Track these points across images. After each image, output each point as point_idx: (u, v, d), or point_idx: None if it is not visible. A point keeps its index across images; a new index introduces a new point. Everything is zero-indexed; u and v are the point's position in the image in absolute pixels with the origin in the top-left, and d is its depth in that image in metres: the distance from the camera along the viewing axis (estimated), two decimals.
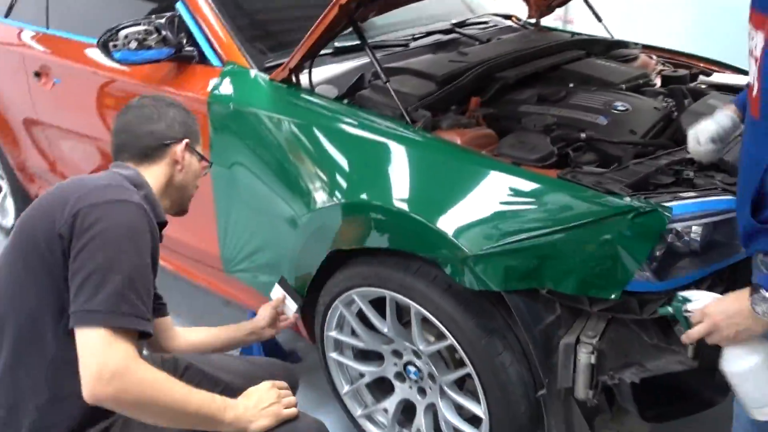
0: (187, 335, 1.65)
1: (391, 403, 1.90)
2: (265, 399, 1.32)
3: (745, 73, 2.38)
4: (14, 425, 1.22)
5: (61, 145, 2.80)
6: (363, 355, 1.95)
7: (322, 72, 2.05)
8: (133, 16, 2.07)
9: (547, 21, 2.94)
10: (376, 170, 1.69)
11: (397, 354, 1.83)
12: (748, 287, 1.11)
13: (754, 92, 1.10)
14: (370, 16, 2.02)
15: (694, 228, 1.44)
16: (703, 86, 2.21)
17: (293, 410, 1.36)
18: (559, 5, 2.81)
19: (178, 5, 2.13)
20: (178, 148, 1.46)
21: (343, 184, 1.71)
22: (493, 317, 1.54)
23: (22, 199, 3.28)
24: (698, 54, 2.58)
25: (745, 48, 1.19)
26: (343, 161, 1.74)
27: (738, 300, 1.13)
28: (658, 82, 2.29)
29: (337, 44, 2.13)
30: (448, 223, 1.50)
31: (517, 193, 1.49)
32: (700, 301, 1.24)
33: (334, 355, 1.93)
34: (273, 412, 1.31)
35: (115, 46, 1.99)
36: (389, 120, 1.73)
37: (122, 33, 1.98)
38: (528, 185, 1.49)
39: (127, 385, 1.10)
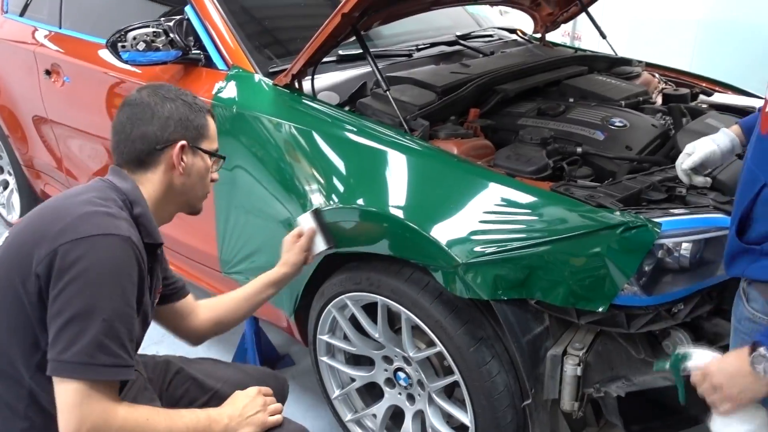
0: (214, 307, 1.58)
1: (379, 409, 1.91)
2: (250, 406, 1.32)
3: (747, 94, 2.40)
4: None
5: (68, 143, 2.85)
6: (354, 360, 1.96)
7: (326, 79, 2.08)
8: (143, 18, 2.11)
9: (554, 37, 2.97)
10: (373, 176, 1.71)
11: (387, 360, 1.84)
12: (747, 347, 1.04)
13: (767, 108, 1.08)
14: (374, 25, 2.05)
15: (684, 245, 1.45)
16: (703, 106, 2.22)
17: (278, 417, 1.36)
18: (565, 21, 2.84)
19: (187, 9, 2.17)
20: (174, 152, 1.31)
21: (340, 188, 1.74)
22: (482, 326, 1.56)
23: (28, 195, 3.32)
24: (702, 74, 2.60)
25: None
26: (340, 166, 1.76)
27: (738, 359, 1.05)
28: (659, 100, 2.31)
29: (341, 52, 2.16)
30: (441, 231, 1.52)
31: (510, 204, 1.51)
32: (699, 359, 1.15)
33: (325, 359, 1.95)
34: (258, 420, 1.31)
35: (123, 47, 2.02)
36: (388, 128, 1.75)
37: (131, 34, 2.01)
38: (521, 197, 1.51)
39: None
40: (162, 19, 2.10)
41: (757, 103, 2.20)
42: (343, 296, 1.77)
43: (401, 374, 1.82)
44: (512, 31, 2.91)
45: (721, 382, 1.06)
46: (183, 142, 1.32)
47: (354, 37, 1.89)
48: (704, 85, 2.48)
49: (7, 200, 3.53)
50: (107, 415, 1.09)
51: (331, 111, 1.86)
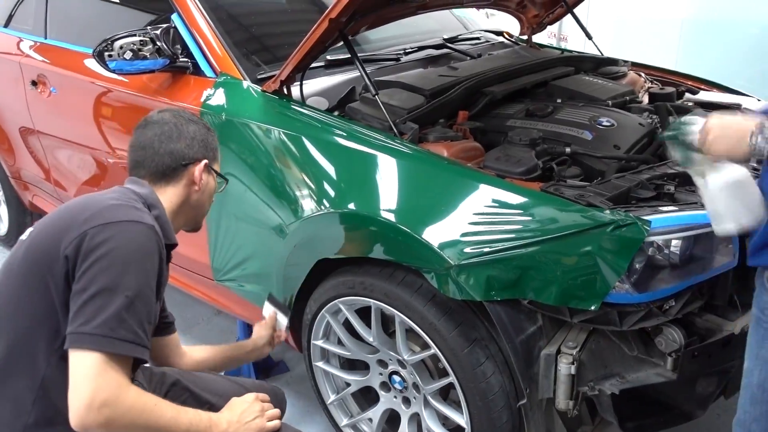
0: (192, 354, 1.65)
1: (375, 413, 1.91)
2: (248, 412, 1.33)
3: (732, 91, 2.42)
4: None
5: (56, 154, 2.83)
6: (349, 365, 1.96)
7: (314, 84, 2.08)
8: (129, 27, 2.10)
9: (541, 38, 2.98)
10: (364, 181, 1.71)
11: (382, 363, 1.84)
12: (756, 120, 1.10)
13: None
14: (361, 30, 2.06)
15: (674, 242, 1.46)
16: (689, 104, 2.24)
17: (276, 422, 1.37)
18: (551, 23, 2.85)
19: (174, 17, 2.16)
20: (197, 169, 1.41)
21: (331, 193, 1.74)
22: (476, 327, 1.56)
23: (16, 206, 3.30)
24: (687, 72, 2.62)
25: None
26: (331, 171, 1.76)
27: (744, 120, 1.11)
28: (645, 99, 2.33)
29: (329, 57, 2.16)
30: (433, 233, 1.52)
31: (500, 205, 1.52)
32: (699, 122, 1.19)
33: (320, 364, 1.94)
34: (257, 425, 1.32)
35: (110, 56, 2.02)
36: (378, 132, 1.76)
37: (117, 43, 2.01)
38: (511, 198, 1.52)
39: (117, 414, 1.09)
40: (149, 27, 2.10)
41: (742, 101, 2.22)
42: (336, 301, 1.77)
43: (396, 377, 1.82)
44: (499, 33, 2.93)
45: (716, 126, 1.12)
46: (205, 161, 1.43)
47: (342, 42, 1.90)
48: (690, 83, 2.50)
49: None
50: (120, 391, 1.10)
51: (321, 116, 1.86)
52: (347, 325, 1.83)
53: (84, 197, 1.28)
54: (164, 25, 2.11)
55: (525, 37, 2.87)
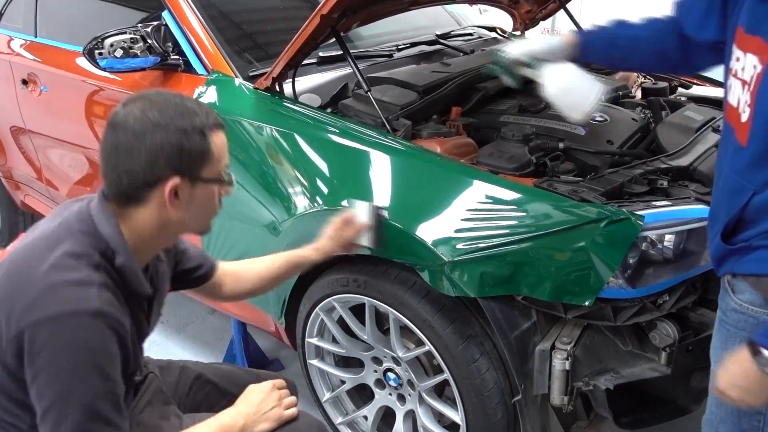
0: (235, 285, 1.55)
1: (370, 410, 1.91)
2: (266, 402, 1.32)
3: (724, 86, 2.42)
4: None
5: (47, 153, 2.81)
6: (344, 362, 1.96)
7: (306, 81, 2.07)
8: (120, 25, 2.09)
9: (534, 34, 2.97)
10: (357, 178, 1.71)
11: (377, 361, 1.84)
12: (745, 348, 1.02)
13: (744, 118, 1.02)
14: (353, 26, 2.05)
15: (667, 236, 1.46)
16: (682, 98, 2.24)
17: (293, 410, 1.36)
18: (544, 18, 2.85)
19: (165, 14, 2.15)
20: (166, 190, 1.11)
21: (324, 191, 1.73)
22: (470, 323, 1.56)
23: (8, 206, 3.28)
24: None
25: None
26: (324, 168, 1.76)
27: (740, 365, 1.03)
28: (638, 94, 2.33)
29: (321, 54, 2.15)
30: (426, 230, 1.52)
31: (494, 201, 1.52)
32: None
33: (315, 362, 1.94)
34: (275, 414, 1.31)
35: (100, 54, 2.00)
36: (370, 129, 1.75)
37: (108, 41, 2.00)
38: (505, 193, 1.51)
39: None
40: (139, 25, 2.08)
41: None
42: (330, 298, 1.76)
43: (391, 375, 1.82)
44: (492, 29, 2.92)
45: (738, 394, 1.05)
46: (176, 179, 1.12)
47: (334, 39, 1.89)
48: (682, 78, 2.50)
49: None
50: None
51: (313, 113, 1.85)
52: (341, 323, 1.83)
53: (27, 256, 1.12)
54: (155, 23, 2.09)
55: (518, 33, 2.86)
